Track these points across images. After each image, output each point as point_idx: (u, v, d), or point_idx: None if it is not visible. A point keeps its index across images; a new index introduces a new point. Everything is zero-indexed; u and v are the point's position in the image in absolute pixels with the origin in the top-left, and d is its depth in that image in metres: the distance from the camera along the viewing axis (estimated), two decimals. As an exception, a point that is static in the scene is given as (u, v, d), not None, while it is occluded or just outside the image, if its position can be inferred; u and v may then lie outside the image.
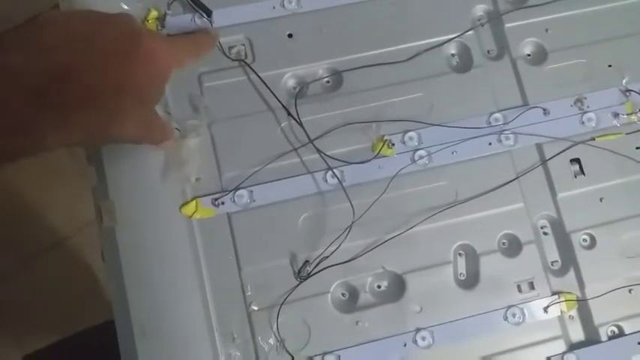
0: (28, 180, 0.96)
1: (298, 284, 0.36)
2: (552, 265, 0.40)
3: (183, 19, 0.40)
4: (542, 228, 0.40)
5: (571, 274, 0.39)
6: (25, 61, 0.26)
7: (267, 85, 0.39)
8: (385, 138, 0.40)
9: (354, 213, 0.37)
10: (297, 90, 0.40)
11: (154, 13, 0.39)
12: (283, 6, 0.41)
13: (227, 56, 0.40)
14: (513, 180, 0.40)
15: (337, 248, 0.36)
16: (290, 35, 0.41)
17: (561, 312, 0.39)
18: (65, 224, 0.96)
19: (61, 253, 0.94)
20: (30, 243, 0.94)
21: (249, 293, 0.36)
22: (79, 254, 0.95)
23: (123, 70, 0.28)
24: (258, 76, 0.39)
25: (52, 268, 0.94)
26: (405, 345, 0.37)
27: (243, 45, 0.40)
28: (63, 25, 0.28)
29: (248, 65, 0.39)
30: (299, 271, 0.36)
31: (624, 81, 0.43)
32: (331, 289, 0.37)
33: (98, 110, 0.28)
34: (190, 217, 0.37)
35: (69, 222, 0.95)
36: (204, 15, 0.39)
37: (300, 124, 0.38)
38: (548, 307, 0.39)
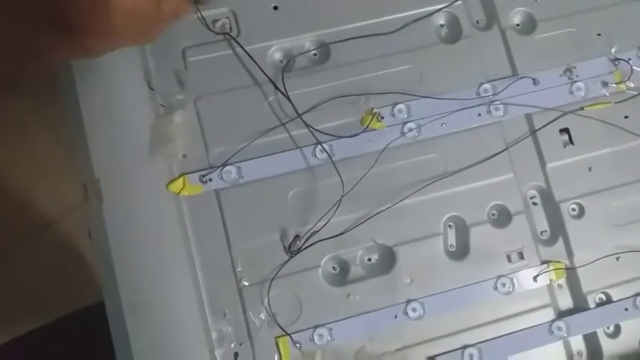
0: (14, 163, 0.94)
1: (289, 259, 0.36)
2: (541, 234, 0.40)
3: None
4: (531, 198, 0.41)
5: (560, 243, 0.40)
6: None
7: (253, 59, 0.38)
8: (374, 111, 0.39)
9: (343, 187, 0.37)
10: (284, 63, 0.39)
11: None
12: (268, -23, 0.40)
13: (211, 30, 0.39)
14: (503, 151, 0.40)
15: (327, 222, 0.36)
16: (275, 7, 0.40)
17: (550, 281, 0.39)
18: (53, 207, 0.95)
19: (49, 236, 0.94)
20: (17, 226, 0.93)
21: (240, 269, 0.36)
22: (67, 237, 0.94)
23: None
24: (244, 50, 0.38)
25: (41, 250, 0.93)
26: (396, 317, 0.37)
27: (228, 18, 0.39)
28: None
29: (233, 39, 0.39)
30: (289, 246, 0.36)
31: (613, 50, 0.42)
32: (322, 263, 0.37)
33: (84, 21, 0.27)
34: (178, 194, 0.36)
35: (57, 205, 0.94)
36: None
37: (288, 98, 0.38)
38: (537, 276, 0.39)
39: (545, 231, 0.40)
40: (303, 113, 0.38)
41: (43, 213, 0.94)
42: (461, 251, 0.39)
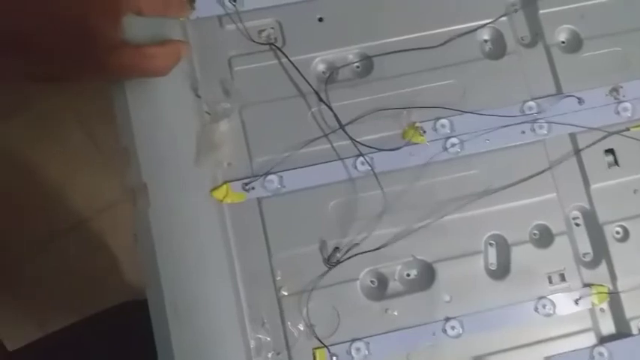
0: (48, 161, 0.96)
1: (328, 270, 0.36)
2: (584, 256, 0.39)
3: (212, 2, 0.39)
4: (574, 219, 0.40)
5: (603, 266, 0.39)
6: None
7: (297, 69, 0.39)
8: (416, 125, 0.39)
9: (385, 200, 0.37)
10: (327, 75, 0.40)
11: (184, -6, 0.39)
12: (314, -12, 0.40)
13: (254, 41, 0.39)
14: (546, 170, 0.39)
15: (367, 236, 0.36)
16: (320, 19, 0.40)
17: (592, 304, 0.38)
18: (85, 207, 0.96)
19: (81, 235, 0.95)
20: (50, 224, 0.95)
21: (279, 278, 0.36)
22: (99, 236, 0.96)
23: (72, 11, 0.28)
24: (289, 60, 0.39)
25: (72, 249, 0.95)
26: (434, 334, 0.36)
27: (273, 28, 0.40)
28: None
29: (278, 49, 0.39)
30: (329, 258, 0.36)
31: (661, 70, 0.42)
32: (360, 277, 0.37)
33: (46, 47, 0.28)
34: (221, 201, 0.37)
35: (89, 204, 0.96)
36: (231, 0, 0.38)
37: (331, 109, 0.38)
38: (579, 299, 0.38)
39: (588, 253, 0.39)
40: (345, 125, 0.38)
41: (75, 211, 0.95)
42: (501, 270, 0.38)
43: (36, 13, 0.28)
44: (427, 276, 0.38)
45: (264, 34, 0.40)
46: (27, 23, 0.27)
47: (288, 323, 0.36)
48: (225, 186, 0.37)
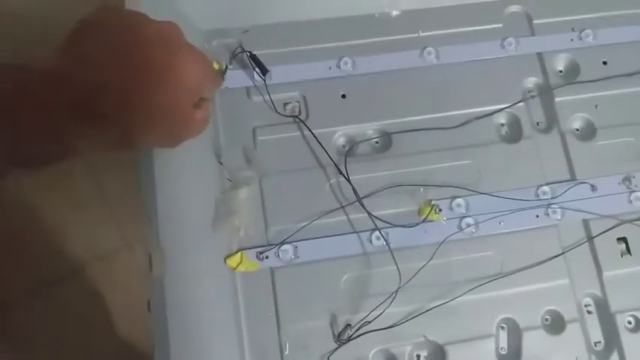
0: (52, 204, 0.96)
1: (337, 347, 0.36)
2: (595, 345, 0.39)
3: (241, 75, 0.41)
4: (586, 306, 0.39)
5: (615, 356, 0.38)
6: (66, 73, 0.27)
7: (319, 142, 0.40)
8: (432, 203, 0.40)
9: (400, 277, 0.36)
10: (347, 148, 0.41)
11: (215, 66, 0.40)
12: (339, 67, 0.42)
13: (279, 113, 0.40)
14: (559, 255, 0.39)
15: (380, 314, 0.36)
16: (343, 96, 0.42)
17: (604, 397, 0.37)
18: (84, 253, 0.95)
19: (77, 282, 0.94)
20: (47, 268, 0.94)
21: (287, 352, 0.36)
22: (96, 285, 0.94)
23: (156, 88, 0.29)
24: (312, 133, 0.40)
25: (67, 296, 0.93)
26: (444, 420, 0.35)
27: (298, 102, 0.41)
28: (104, 32, 0.28)
29: (302, 121, 0.40)
30: (339, 334, 0.35)
31: (673, 162, 0.42)
32: (370, 356, 0.36)
33: (126, 124, 0.29)
34: (235, 269, 0.37)
35: (87, 251, 0.95)
36: (260, 74, 0.40)
37: (349, 181, 0.39)
38: (591, 391, 0.37)
39: (600, 342, 0.39)
40: (362, 198, 0.39)
41: (73, 258, 0.94)
42: (512, 355, 0.38)
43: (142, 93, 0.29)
44: (438, 358, 0.37)
45: (288, 107, 0.41)
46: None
47: (295, 401, 0.35)
48: (239, 254, 0.37)
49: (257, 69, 0.40)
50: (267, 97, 0.40)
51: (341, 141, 0.41)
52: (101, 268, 0.94)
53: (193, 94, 0.31)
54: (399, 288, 0.36)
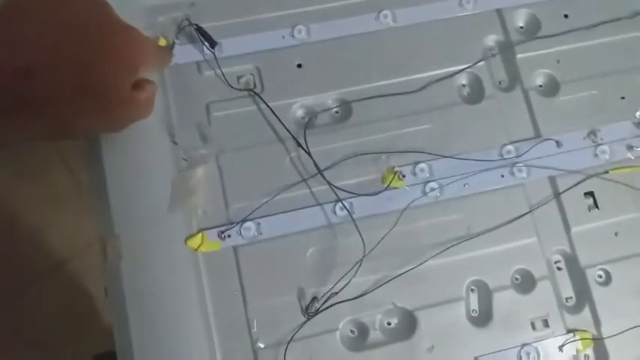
0: (32, 201, 0.95)
1: (306, 321, 0.35)
2: (567, 301, 0.39)
3: (191, 49, 0.39)
4: (556, 263, 0.39)
5: (586, 311, 0.38)
6: None
7: (276, 115, 0.38)
8: (395, 169, 0.39)
9: (364, 247, 0.36)
10: (306, 120, 0.40)
11: (162, 42, 0.39)
12: (293, 35, 0.41)
13: (233, 87, 0.39)
14: (526, 214, 0.39)
15: (347, 284, 0.35)
16: (299, 65, 0.41)
17: (577, 351, 0.37)
18: (65, 248, 0.94)
19: (60, 277, 0.93)
20: (29, 266, 0.93)
21: (255, 330, 0.35)
22: (78, 279, 0.94)
23: (89, 70, 0.27)
24: (268, 106, 0.39)
25: (52, 291, 0.92)
26: (417, 385, 0.35)
27: (252, 74, 0.40)
28: (29, 14, 0.26)
29: (257, 95, 0.39)
30: (307, 308, 0.35)
31: (638, 113, 0.42)
32: (340, 326, 0.36)
33: (59, 109, 0.27)
34: (196, 250, 0.36)
35: (69, 245, 0.94)
36: (209, 47, 0.39)
37: (309, 154, 0.38)
38: (563, 345, 0.37)
39: (571, 297, 0.39)
40: (324, 170, 0.38)
41: (56, 252, 0.93)
42: (484, 317, 0.38)
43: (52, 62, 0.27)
44: (408, 324, 0.37)
45: (242, 80, 0.40)
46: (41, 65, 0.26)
47: (265, 377, 0.34)
48: (200, 234, 0.36)
49: (205, 42, 0.38)
50: (218, 71, 0.39)
51: (299, 113, 0.40)
52: (84, 261, 0.94)
53: (130, 74, 0.30)
54: (363, 257, 0.36)
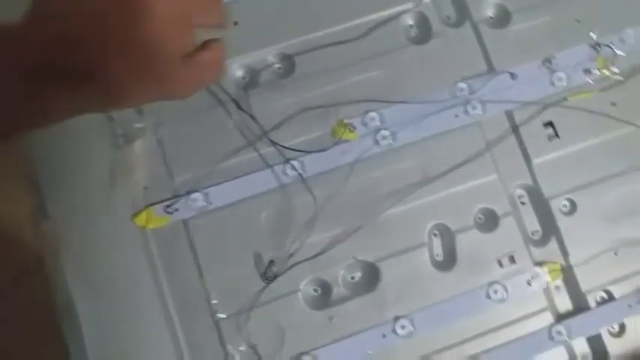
0: (5, 201, 0.93)
1: (265, 286, 0.34)
2: (533, 235, 0.38)
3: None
4: (519, 198, 0.39)
5: (553, 242, 0.38)
6: (30, 34, 0.25)
7: (213, 78, 0.37)
8: (345, 122, 0.38)
9: (316, 204, 0.35)
10: (247, 80, 0.38)
11: None
12: (225, -7, 0.38)
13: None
14: (484, 151, 0.38)
15: (303, 244, 0.34)
16: (235, 23, 0.39)
17: (546, 283, 0.37)
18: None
19: (44, 272, 0.92)
20: (13, 264, 0.92)
21: (215, 301, 0.34)
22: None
23: (129, 29, 0.26)
24: (203, 70, 0.37)
25: (37, 288, 0.92)
26: (385, 336, 0.35)
27: (185, 37, 0.38)
28: None
29: (191, 59, 0.37)
30: (265, 273, 0.34)
31: (593, 35, 0.40)
32: (301, 287, 0.35)
33: (107, 74, 0.26)
34: (144, 227, 0.35)
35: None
36: None
37: (252, 117, 0.36)
38: (531, 279, 0.37)
39: (537, 231, 0.38)
40: (269, 130, 0.37)
41: (35, 250, 0.93)
42: (448, 260, 0.37)
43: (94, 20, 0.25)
44: (372, 276, 0.36)
45: (174, 44, 0.38)
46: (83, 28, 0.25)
47: (229, 347, 0.34)
48: (146, 211, 0.35)
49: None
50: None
51: (239, 72, 0.38)
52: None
53: (182, 27, 0.27)
54: (315, 214, 0.35)
